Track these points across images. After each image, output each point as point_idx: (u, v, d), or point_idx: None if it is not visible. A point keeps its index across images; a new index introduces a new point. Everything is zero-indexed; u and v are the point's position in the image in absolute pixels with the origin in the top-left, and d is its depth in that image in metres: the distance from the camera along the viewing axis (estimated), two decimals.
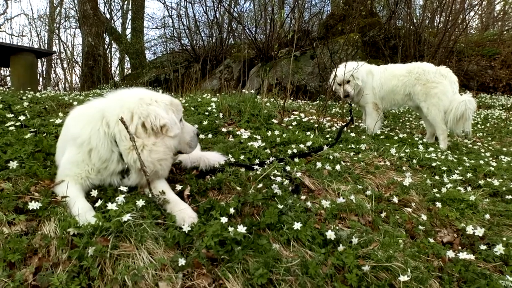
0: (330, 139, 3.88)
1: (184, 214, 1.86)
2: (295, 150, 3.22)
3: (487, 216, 2.45)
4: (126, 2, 22.19)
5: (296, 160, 2.98)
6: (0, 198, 1.82)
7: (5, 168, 2.17)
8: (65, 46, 21.12)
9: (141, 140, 1.94)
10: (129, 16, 21.54)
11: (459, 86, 4.77)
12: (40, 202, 1.78)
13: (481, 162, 3.76)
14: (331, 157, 3.13)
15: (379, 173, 3.04)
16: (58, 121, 3.14)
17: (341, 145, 3.69)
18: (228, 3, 14.75)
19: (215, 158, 2.70)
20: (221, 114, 4.29)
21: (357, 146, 3.65)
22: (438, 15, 12.98)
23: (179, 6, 19.25)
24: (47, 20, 21.60)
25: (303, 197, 2.32)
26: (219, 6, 14.43)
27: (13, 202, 1.80)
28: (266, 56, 12.14)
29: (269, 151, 3.19)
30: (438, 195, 2.69)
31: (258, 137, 3.52)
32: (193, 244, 1.71)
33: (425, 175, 3.17)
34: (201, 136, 3.48)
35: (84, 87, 13.91)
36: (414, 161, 3.50)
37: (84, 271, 1.45)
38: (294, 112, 5.25)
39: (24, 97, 4.52)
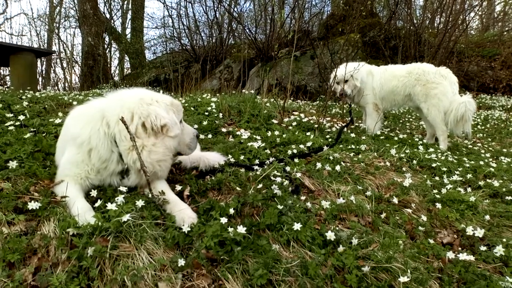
0: (330, 140, 3.87)
1: (184, 215, 1.86)
2: (295, 151, 3.22)
3: (487, 217, 2.45)
4: (126, 2, 22.19)
5: (296, 160, 2.98)
6: None
7: (4, 168, 2.16)
8: (64, 45, 21.15)
9: (140, 140, 1.94)
10: (129, 16, 21.54)
11: (459, 86, 4.78)
12: (39, 202, 1.78)
13: (481, 163, 3.76)
14: (331, 157, 3.13)
15: (379, 173, 3.03)
16: (58, 121, 3.14)
17: (341, 146, 3.69)
18: (228, 3, 14.75)
19: (215, 158, 2.69)
20: (221, 114, 4.29)
21: (357, 147, 3.65)
22: (438, 16, 13.00)
23: (179, 6, 19.27)
24: (46, 19, 21.60)
25: (303, 198, 2.32)
26: (219, 6, 14.43)
27: (12, 202, 1.80)
28: (266, 56, 12.13)
29: (269, 152, 3.19)
30: (438, 196, 2.69)
31: (258, 137, 3.52)
32: (193, 245, 1.71)
33: (425, 176, 3.16)
34: (201, 136, 3.48)
35: (83, 86, 13.91)
36: (414, 161, 3.49)
37: (84, 271, 1.45)
38: (294, 113, 5.25)
39: (24, 97, 4.52)
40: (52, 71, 19.24)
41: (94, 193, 1.96)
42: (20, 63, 9.23)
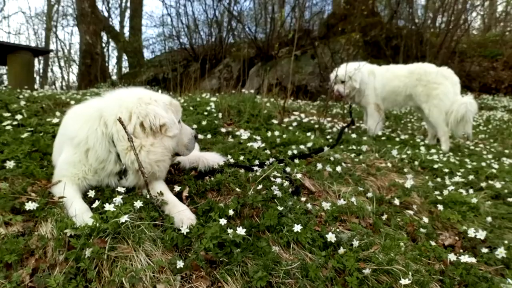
0: (330, 140, 3.86)
1: (183, 216, 1.84)
2: (295, 151, 3.20)
3: (489, 219, 2.44)
4: (124, 0, 22.19)
5: (296, 161, 2.96)
6: None
7: (1, 168, 2.15)
8: (62, 44, 21.17)
9: (139, 140, 1.92)
10: (127, 14, 21.56)
11: (461, 87, 4.76)
12: (37, 203, 1.76)
13: (483, 164, 3.74)
14: (331, 158, 3.11)
15: (380, 175, 3.02)
16: (55, 120, 3.13)
17: (342, 146, 3.68)
18: (227, 1, 14.74)
19: (214, 158, 2.67)
20: (220, 114, 4.28)
21: (358, 148, 3.63)
22: (440, 15, 12.98)
23: (178, 4, 19.22)
24: (44, 18, 21.59)
25: (303, 199, 2.30)
26: (219, 4, 14.43)
27: (9, 202, 1.78)
28: (266, 55, 12.13)
29: (269, 152, 3.17)
30: (439, 198, 2.68)
31: (258, 137, 3.50)
32: (192, 246, 1.69)
33: (426, 177, 3.15)
34: (200, 136, 3.47)
35: (81, 85, 13.91)
36: (416, 163, 3.48)
37: (81, 273, 1.44)
38: (294, 113, 5.24)
39: (21, 96, 4.50)
40: (49, 70, 19.32)
41: (91, 193, 1.93)
42: (17, 62, 9.22)
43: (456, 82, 4.57)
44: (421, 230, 2.19)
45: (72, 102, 4.15)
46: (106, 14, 20.58)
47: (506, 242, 2.11)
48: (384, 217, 2.31)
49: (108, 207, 1.70)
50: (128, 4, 21.08)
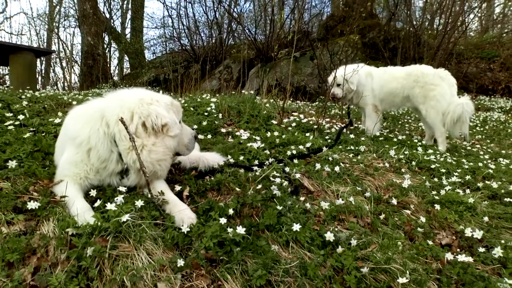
0: (329, 141, 3.88)
1: (183, 215, 1.86)
2: (294, 151, 3.22)
3: (486, 218, 2.45)
4: (125, 2, 22.17)
5: (296, 161, 2.98)
6: None
7: (4, 167, 2.16)
8: (64, 45, 21.10)
9: (140, 140, 1.94)
10: (128, 16, 21.52)
11: (458, 88, 4.79)
12: (39, 202, 1.78)
13: (480, 164, 3.77)
14: (330, 158, 3.13)
15: (378, 175, 3.04)
16: (57, 120, 3.14)
17: (340, 147, 3.70)
18: (228, 3, 14.76)
19: (214, 158, 2.69)
20: (220, 114, 4.29)
21: (357, 148, 3.65)
22: (438, 17, 13.03)
23: (178, 6, 19.30)
24: (46, 19, 21.58)
25: (302, 199, 2.33)
26: (219, 6, 14.43)
27: (11, 201, 1.79)
28: (266, 56, 12.14)
29: (268, 152, 3.19)
30: (437, 197, 2.70)
31: (258, 138, 3.52)
32: (192, 245, 1.71)
33: (424, 177, 3.17)
34: (201, 136, 3.48)
35: (83, 86, 13.89)
36: (413, 163, 3.50)
37: (83, 271, 1.45)
38: (293, 113, 5.25)
39: (23, 96, 4.51)
40: (51, 71, 19.26)
41: (93, 193, 1.96)
42: (20, 63, 9.21)
43: (453, 83, 4.60)
44: (419, 229, 2.21)
45: (74, 102, 4.16)
46: (107, 15, 20.55)
47: (502, 241, 2.12)
48: (382, 216, 2.33)
49: (110, 206, 1.71)
50: (130, 6, 21.09)
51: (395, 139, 4.41)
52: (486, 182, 3.20)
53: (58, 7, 22.23)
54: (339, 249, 1.76)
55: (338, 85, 4.80)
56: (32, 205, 1.75)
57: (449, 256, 1.85)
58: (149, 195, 1.96)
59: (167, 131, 2.00)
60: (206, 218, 1.94)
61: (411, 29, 11.93)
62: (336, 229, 2.03)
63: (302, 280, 1.55)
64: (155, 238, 1.69)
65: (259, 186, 2.36)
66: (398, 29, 12.53)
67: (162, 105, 2.04)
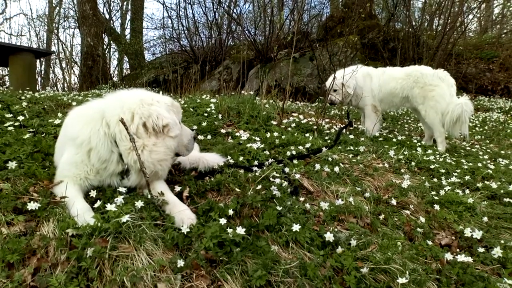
0: (329, 141, 3.88)
1: (183, 215, 1.86)
2: (294, 152, 3.23)
3: (485, 218, 2.46)
4: (125, 3, 22.20)
5: (295, 161, 2.98)
6: None
7: (4, 168, 2.16)
8: (64, 46, 21.12)
9: (141, 140, 1.94)
10: (128, 17, 21.54)
11: (458, 89, 4.80)
12: (39, 203, 1.78)
13: (479, 164, 3.77)
14: (330, 159, 3.13)
15: (378, 175, 3.04)
16: (57, 121, 3.14)
17: (340, 147, 3.70)
18: (227, 4, 14.78)
19: (214, 159, 2.70)
20: (220, 115, 4.29)
21: (356, 148, 3.66)
22: (437, 18, 13.06)
23: (178, 7, 19.24)
24: (46, 20, 21.58)
25: (302, 199, 2.33)
26: (219, 7, 14.45)
27: (12, 202, 1.79)
28: (265, 57, 12.15)
29: (268, 153, 3.19)
30: (436, 198, 2.70)
31: (257, 138, 3.52)
32: (192, 246, 1.71)
33: (423, 178, 3.18)
34: (200, 137, 3.49)
35: (83, 87, 13.89)
36: (413, 163, 3.51)
37: (83, 272, 1.45)
38: (293, 114, 5.26)
39: (23, 97, 4.51)
40: (51, 72, 19.26)
41: (93, 193, 1.96)
42: (19, 64, 9.21)
43: (452, 84, 4.62)
44: (418, 229, 2.21)
45: (74, 103, 4.16)
46: (107, 16, 20.58)
47: (502, 241, 2.12)
48: (382, 216, 2.33)
49: (110, 207, 1.71)
50: (129, 7, 21.10)
51: (394, 140, 4.42)
52: (486, 182, 3.20)
53: (57, 8, 22.26)
54: (339, 250, 1.76)
55: (335, 90, 4.85)
56: (32, 206, 1.74)
57: (448, 256, 1.85)
58: (149, 196, 1.96)
59: (167, 132, 2.00)
60: (206, 218, 1.94)
61: (410, 29, 11.94)
62: (336, 229, 2.04)
63: (302, 280, 1.56)
64: (155, 238, 1.69)
65: (259, 187, 2.36)
66: (397, 30, 12.55)
67: (163, 106, 2.05)
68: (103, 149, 1.95)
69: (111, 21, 20.78)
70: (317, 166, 2.87)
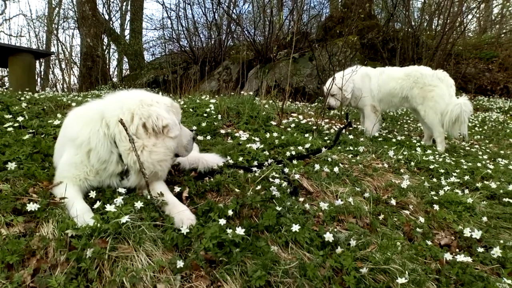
0: (328, 141, 3.88)
1: (183, 216, 1.86)
2: (293, 152, 3.23)
3: (485, 218, 2.46)
4: (125, 3, 22.21)
5: (295, 162, 2.98)
6: None
7: (3, 169, 2.16)
8: (63, 46, 21.12)
9: (141, 141, 1.94)
10: (127, 17, 21.55)
11: (457, 89, 4.81)
12: (38, 204, 1.78)
13: (479, 164, 3.78)
14: (329, 159, 3.14)
15: (377, 175, 3.05)
16: (57, 122, 3.14)
17: (339, 147, 3.70)
18: (227, 4, 14.78)
19: (213, 159, 2.70)
20: (219, 115, 4.29)
21: (355, 148, 3.66)
22: (436, 18, 13.06)
23: (178, 7, 19.20)
24: (45, 20, 21.58)
25: (301, 199, 2.33)
26: (218, 7, 14.46)
27: (11, 203, 1.79)
28: (265, 58, 12.16)
29: (267, 153, 3.19)
30: (435, 198, 2.70)
31: (257, 139, 3.52)
32: (192, 246, 1.71)
33: (423, 178, 3.18)
34: (200, 137, 3.49)
35: (82, 88, 13.90)
36: (412, 163, 3.51)
37: (82, 273, 1.45)
38: (292, 114, 5.27)
39: (22, 98, 4.50)
40: (50, 72, 19.27)
41: (93, 194, 1.96)
42: (19, 64, 9.22)
43: (451, 84, 4.63)
44: (418, 229, 2.21)
45: (73, 104, 4.16)
46: (106, 17, 20.59)
47: (501, 241, 2.13)
48: (381, 217, 2.33)
49: (109, 207, 1.71)
50: (129, 7, 21.10)
51: (394, 140, 4.42)
52: (485, 182, 3.20)
53: (57, 8, 22.26)
54: (338, 250, 1.76)
55: (333, 95, 4.87)
56: (31, 206, 1.74)
57: (448, 256, 1.85)
58: (149, 196, 1.96)
59: (167, 132, 2.00)
60: (206, 219, 1.94)
61: (409, 29, 11.95)
62: (335, 229, 2.04)
63: (301, 280, 1.56)
64: (154, 239, 1.69)
65: (259, 187, 2.36)
66: (397, 30, 12.56)
67: (162, 107, 2.05)
68: (103, 150, 1.95)
69: (111, 22, 20.80)
70: (317, 167, 2.87)
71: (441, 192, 2.79)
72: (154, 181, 2.09)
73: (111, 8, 21.64)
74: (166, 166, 2.10)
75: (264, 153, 3.17)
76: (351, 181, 2.82)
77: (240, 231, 1.70)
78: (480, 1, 13.72)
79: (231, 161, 2.82)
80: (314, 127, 4.31)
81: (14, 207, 1.79)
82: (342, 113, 5.89)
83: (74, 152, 1.98)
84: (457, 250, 2.08)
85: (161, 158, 2.00)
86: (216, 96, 5.93)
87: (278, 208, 2.02)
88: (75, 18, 18.41)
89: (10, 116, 3.26)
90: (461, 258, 1.80)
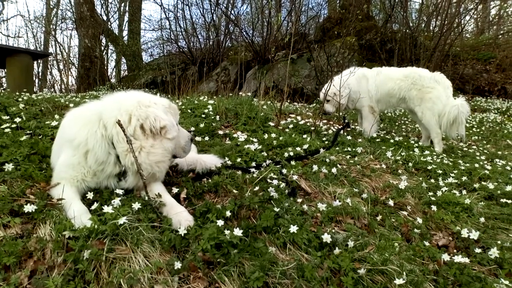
0: (326, 142, 3.89)
1: (180, 217, 1.86)
2: (291, 153, 3.23)
3: (482, 219, 2.47)
4: (123, 4, 22.18)
5: (293, 163, 2.98)
6: None
7: (0, 170, 2.15)
8: (61, 47, 21.09)
9: (139, 142, 1.94)
10: (126, 18, 21.52)
11: (455, 90, 4.85)
12: (35, 205, 1.77)
13: (476, 165, 3.79)
14: (327, 160, 3.14)
15: (375, 176, 3.05)
16: (54, 123, 3.13)
17: (337, 148, 3.71)
18: (225, 5, 14.80)
19: (211, 160, 2.70)
20: (218, 116, 4.29)
21: (353, 149, 3.67)
22: (434, 19, 13.08)
23: (176, 8, 19.25)
24: (43, 21, 21.54)
25: (299, 200, 2.33)
26: (216, 8, 14.46)
27: (8, 204, 1.78)
28: (263, 58, 12.17)
29: (265, 154, 3.19)
30: (433, 198, 2.71)
31: (255, 139, 3.53)
32: (189, 247, 1.71)
33: (420, 178, 3.19)
34: (198, 138, 3.48)
35: (80, 88, 13.86)
36: (410, 164, 3.52)
37: (80, 275, 1.45)
38: (290, 115, 5.27)
39: (20, 99, 4.49)
40: (48, 73, 19.21)
41: (90, 195, 1.95)
42: (16, 65, 9.18)
43: (448, 86, 4.66)
44: (415, 230, 2.22)
45: (71, 105, 4.15)
46: (105, 17, 20.55)
47: (499, 242, 2.14)
48: (379, 217, 2.33)
49: (107, 209, 1.71)
50: (127, 8, 21.08)
51: (392, 141, 4.43)
52: (483, 183, 3.22)
53: (55, 9, 22.21)
54: (336, 251, 1.76)
55: (328, 101, 4.89)
56: (28, 208, 1.73)
57: (445, 257, 1.86)
58: (146, 198, 1.95)
59: (165, 133, 2.00)
60: (204, 220, 1.94)
61: (407, 31, 11.98)
62: (333, 230, 2.04)
63: (299, 282, 1.56)
64: (152, 240, 1.69)
65: (257, 188, 2.36)
66: (395, 31, 12.59)
67: (160, 108, 2.05)
68: (100, 151, 1.94)
69: (109, 23, 20.76)
70: (315, 167, 2.87)
71: (439, 193, 2.80)
72: (152, 182, 2.08)
73: (109, 9, 21.64)
74: (164, 167, 2.10)
75: (262, 154, 3.17)
76: (349, 182, 2.82)
77: (238, 232, 1.70)
78: (478, 2, 13.77)
79: (229, 162, 2.82)
80: (312, 128, 4.32)
81: (11, 209, 1.78)
82: (341, 114, 5.90)
83: (72, 153, 1.97)
84: (455, 251, 2.09)
85: (158, 159, 2.00)
86: (214, 97, 5.92)
87: (276, 209, 2.02)
88: (73, 19, 18.38)
89: (8, 117, 3.25)
90: (458, 259, 1.80)
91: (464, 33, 14.72)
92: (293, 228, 1.84)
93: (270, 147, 3.44)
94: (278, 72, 10.81)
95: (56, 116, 3.49)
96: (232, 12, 15.03)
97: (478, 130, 7.04)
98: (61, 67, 19.26)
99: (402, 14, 12.60)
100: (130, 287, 1.42)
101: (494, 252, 1.92)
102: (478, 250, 2.00)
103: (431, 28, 13.76)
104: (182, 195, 2.22)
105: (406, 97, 4.77)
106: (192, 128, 3.72)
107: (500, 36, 14.67)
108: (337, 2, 14.65)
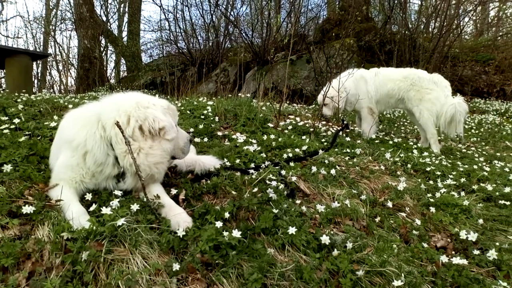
0: (325, 144, 3.89)
1: (179, 219, 1.86)
2: (290, 154, 3.23)
3: (481, 221, 2.47)
4: (122, 5, 22.19)
5: (292, 164, 2.99)
6: None
7: None
8: (60, 48, 21.08)
9: (137, 143, 1.94)
10: (125, 19, 21.52)
11: (454, 91, 4.87)
12: (34, 206, 1.77)
13: (475, 167, 3.79)
14: (326, 161, 3.14)
15: (374, 177, 3.05)
16: (53, 124, 3.13)
17: (336, 150, 3.71)
18: (224, 7, 14.81)
19: (210, 162, 2.70)
20: (217, 117, 4.29)
21: (352, 151, 3.67)
22: (433, 21, 13.12)
23: (175, 9, 19.21)
24: (43, 22, 21.53)
25: (298, 202, 2.33)
26: (216, 9, 14.48)
27: (6, 205, 1.78)
28: (262, 60, 12.18)
29: (264, 155, 3.19)
30: (432, 200, 2.71)
31: (254, 141, 3.53)
32: (188, 249, 1.71)
33: (419, 180, 3.19)
34: (197, 139, 3.48)
35: (79, 89, 13.84)
36: (409, 165, 3.52)
37: (78, 276, 1.44)
38: (290, 116, 5.28)
39: (19, 100, 4.48)
40: (47, 74, 19.16)
41: (89, 197, 1.95)
42: (16, 66, 9.17)
43: (446, 85, 4.70)
44: (414, 232, 2.22)
45: (70, 106, 4.15)
46: (104, 18, 20.53)
47: (497, 244, 2.14)
48: (377, 219, 2.34)
49: (105, 210, 1.71)
50: (126, 9, 21.09)
51: (390, 142, 4.44)
52: (481, 184, 3.22)
53: (54, 10, 22.20)
54: (335, 252, 1.76)
55: (325, 104, 4.90)
56: (27, 209, 1.73)
57: (444, 258, 1.86)
58: (145, 199, 1.95)
59: (164, 135, 2.00)
60: (202, 221, 1.94)
61: (406, 32, 12.01)
62: (332, 232, 2.04)
63: (297, 283, 1.56)
64: (150, 242, 1.69)
65: (255, 189, 2.36)
66: (394, 32, 12.62)
67: (159, 109, 2.05)
68: (99, 152, 1.94)
69: (108, 24, 20.75)
70: (314, 169, 2.87)
71: (438, 194, 2.80)
72: (151, 183, 2.08)
73: (108, 9, 21.63)
74: (163, 169, 2.10)
75: (261, 155, 3.17)
76: (348, 183, 2.82)
77: (236, 233, 1.70)
78: (477, 3, 13.81)
79: (228, 163, 2.82)
80: (311, 129, 4.32)
81: (9, 210, 1.78)
82: (340, 115, 5.91)
83: (70, 155, 1.97)
84: (453, 252, 2.09)
85: (157, 160, 2.00)
86: (214, 98, 5.93)
87: (275, 211, 2.02)
88: (73, 20, 18.38)
89: (6, 118, 3.25)
90: (457, 260, 1.80)
91: (463, 35, 14.76)
92: (292, 230, 1.84)
93: (269, 148, 3.45)
94: (277, 73, 10.82)
95: (55, 117, 3.49)
96: (232, 13, 15.05)
97: (476, 131, 7.05)
98: (61, 68, 19.24)
99: (401, 16, 12.63)
100: None
101: (492, 254, 1.92)
102: (476, 252, 2.00)
103: (430, 29, 13.80)
104: (180, 196, 2.22)
105: (404, 97, 4.79)
106: (191, 129, 3.72)
107: (499, 38, 14.72)
108: (337, 3, 14.68)
